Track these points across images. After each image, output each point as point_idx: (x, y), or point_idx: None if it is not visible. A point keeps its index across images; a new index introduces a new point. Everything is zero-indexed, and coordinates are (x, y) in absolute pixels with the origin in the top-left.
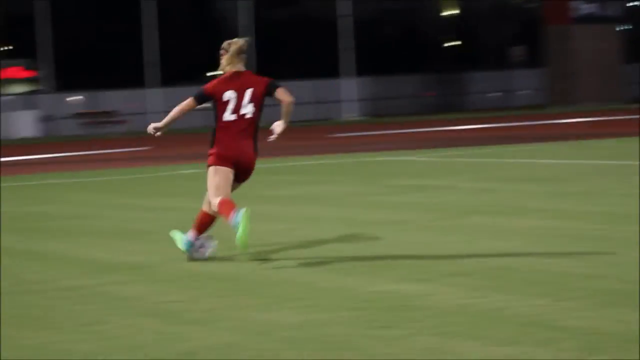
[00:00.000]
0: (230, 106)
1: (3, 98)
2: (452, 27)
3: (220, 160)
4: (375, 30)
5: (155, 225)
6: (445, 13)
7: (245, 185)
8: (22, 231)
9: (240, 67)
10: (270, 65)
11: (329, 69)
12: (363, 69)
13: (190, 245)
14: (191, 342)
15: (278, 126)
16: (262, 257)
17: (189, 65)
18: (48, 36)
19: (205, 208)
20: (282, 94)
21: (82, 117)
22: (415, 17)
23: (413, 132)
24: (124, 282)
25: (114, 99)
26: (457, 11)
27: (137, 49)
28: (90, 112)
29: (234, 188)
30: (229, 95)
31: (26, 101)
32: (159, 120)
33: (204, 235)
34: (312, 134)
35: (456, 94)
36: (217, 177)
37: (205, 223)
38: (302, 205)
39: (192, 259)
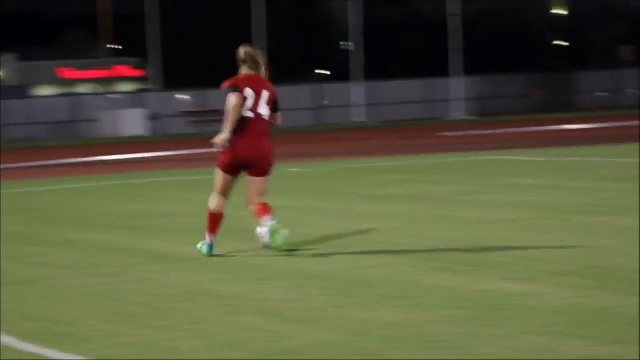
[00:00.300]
0: (249, 103)
1: (112, 96)
2: (561, 26)
3: (227, 166)
4: (484, 29)
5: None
6: (554, 12)
7: (353, 184)
8: (125, 229)
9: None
10: (379, 64)
11: (438, 68)
12: (471, 68)
13: (210, 247)
14: (294, 340)
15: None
16: (364, 256)
17: (295, 64)
18: (157, 35)
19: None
20: (279, 118)
21: (189, 116)
22: (524, 16)
23: (520, 132)
24: (227, 280)
25: (221, 98)
26: (565, 12)
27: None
28: (198, 111)
29: (252, 185)
30: (249, 92)
31: (135, 100)
32: None
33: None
34: (420, 132)
35: (564, 93)
36: (218, 183)
37: (213, 221)
38: (409, 204)
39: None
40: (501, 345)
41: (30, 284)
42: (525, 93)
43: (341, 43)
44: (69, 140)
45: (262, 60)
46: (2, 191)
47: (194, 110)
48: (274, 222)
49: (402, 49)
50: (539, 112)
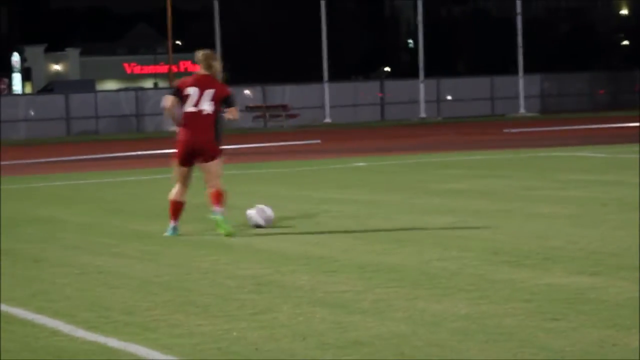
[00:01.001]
0: (193, 100)
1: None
2: (625, 25)
3: (179, 158)
4: (548, 28)
5: (325, 217)
6: (620, 11)
7: (414, 179)
8: (192, 221)
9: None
10: (443, 61)
11: (503, 66)
12: (535, 66)
13: (174, 230)
14: (362, 331)
15: (231, 113)
16: (432, 249)
17: (357, 60)
18: (218, 30)
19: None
20: (234, 112)
21: (254, 110)
22: (589, 15)
23: (584, 129)
24: (295, 272)
25: (285, 93)
26: (626, 11)
27: (307, 44)
28: (262, 106)
29: (206, 170)
30: (192, 90)
31: None
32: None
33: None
34: (486, 129)
35: (627, 91)
36: (175, 173)
37: (175, 209)
38: (475, 198)
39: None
40: (568, 339)
41: (97, 274)
42: (588, 91)
43: (409, 41)
44: (134, 133)
45: (216, 63)
46: (71, 182)
47: (258, 105)
48: (219, 216)
49: (468, 47)
50: (601, 110)
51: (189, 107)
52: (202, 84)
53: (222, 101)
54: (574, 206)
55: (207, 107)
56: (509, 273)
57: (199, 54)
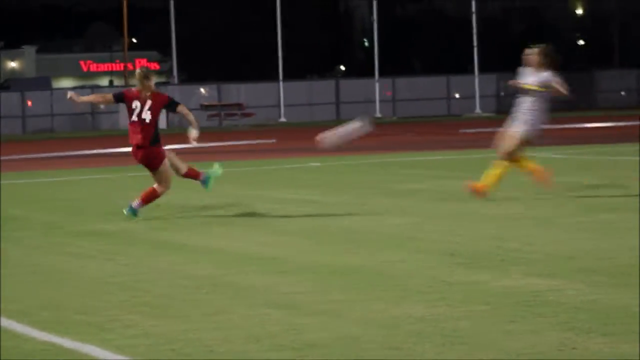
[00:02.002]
0: (136, 112)
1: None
2: (581, 25)
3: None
4: (503, 27)
5: (280, 218)
6: (576, 11)
7: (369, 179)
8: (146, 220)
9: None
10: (398, 60)
11: (459, 65)
12: (491, 65)
13: (133, 212)
14: (317, 333)
15: (193, 133)
16: (388, 250)
17: (313, 59)
18: (174, 28)
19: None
20: (183, 109)
21: (209, 109)
22: (543, 15)
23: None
24: (250, 273)
25: (240, 92)
26: (581, 11)
27: (263, 42)
28: (218, 104)
29: (155, 176)
30: (136, 104)
31: None
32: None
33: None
34: (442, 129)
35: (584, 92)
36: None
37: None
38: (427, 199)
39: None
40: (526, 341)
41: (52, 274)
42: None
43: (364, 40)
44: (89, 131)
45: (150, 79)
46: (27, 181)
47: (213, 104)
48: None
49: (422, 46)
50: (559, 110)
51: (134, 118)
52: (141, 98)
53: (164, 108)
54: (530, 208)
55: (147, 117)
56: (466, 275)
57: (136, 72)
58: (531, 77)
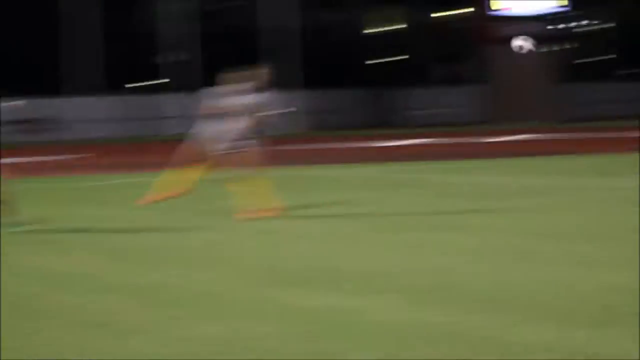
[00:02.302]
0: None
1: None
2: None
3: None
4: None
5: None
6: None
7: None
8: None
9: None
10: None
11: None
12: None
13: None
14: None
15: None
16: (187, 268)
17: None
18: None
19: None
20: None
21: (21, 124)
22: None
23: (336, 147)
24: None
25: (55, 106)
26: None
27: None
28: (31, 120)
29: None
30: None
31: None
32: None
33: None
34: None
35: (392, 110)
36: None
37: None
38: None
39: None
40: None
41: None
42: (353, 108)
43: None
44: None
45: None
46: None
47: (27, 119)
48: None
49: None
50: (360, 128)
51: None
52: None
53: None
54: (335, 227)
55: None
56: (278, 293)
57: None
58: (233, 99)
